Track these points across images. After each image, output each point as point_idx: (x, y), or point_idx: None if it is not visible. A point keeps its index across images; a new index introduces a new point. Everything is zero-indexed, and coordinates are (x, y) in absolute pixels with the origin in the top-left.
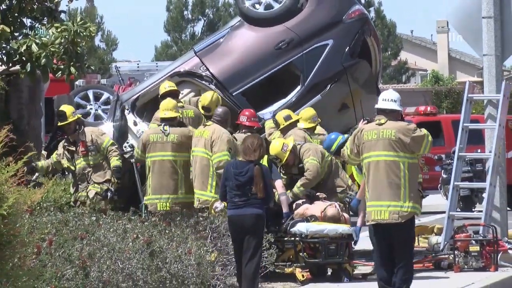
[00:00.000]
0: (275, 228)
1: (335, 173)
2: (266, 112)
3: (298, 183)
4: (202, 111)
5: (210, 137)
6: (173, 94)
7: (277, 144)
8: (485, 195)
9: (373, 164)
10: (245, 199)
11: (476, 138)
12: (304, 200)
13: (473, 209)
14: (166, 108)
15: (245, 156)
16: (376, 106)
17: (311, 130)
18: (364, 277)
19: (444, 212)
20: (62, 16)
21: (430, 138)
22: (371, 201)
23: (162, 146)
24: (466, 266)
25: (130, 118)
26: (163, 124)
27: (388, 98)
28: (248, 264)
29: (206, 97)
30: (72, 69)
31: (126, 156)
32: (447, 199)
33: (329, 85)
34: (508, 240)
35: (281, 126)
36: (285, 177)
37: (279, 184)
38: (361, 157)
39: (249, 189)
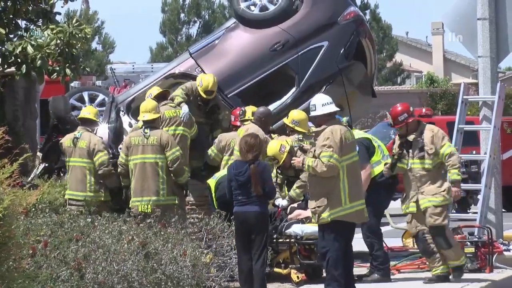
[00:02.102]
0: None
1: None
2: None
3: (295, 186)
4: (204, 95)
5: None
6: (164, 96)
7: (275, 145)
8: (480, 196)
9: (357, 163)
10: (246, 197)
11: (471, 140)
12: (299, 202)
13: (468, 211)
14: (145, 111)
15: (241, 157)
16: (327, 111)
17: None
18: (359, 278)
19: None
20: (58, 17)
21: None
22: (361, 200)
23: (143, 148)
24: None
25: (125, 119)
26: (143, 127)
27: (329, 100)
28: (256, 262)
29: (209, 80)
30: (68, 71)
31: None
32: None
33: (324, 87)
34: (503, 242)
35: (246, 117)
36: (281, 177)
37: None
38: (343, 158)
39: (250, 187)
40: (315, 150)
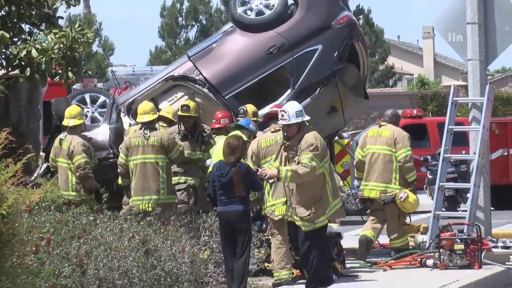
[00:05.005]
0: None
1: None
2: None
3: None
4: (182, 113)
5: (393, 136)
6: (165, 120)
7: None
8: (469, 195)
9: (330, 163)
10: (228, 197)
11: (460, 140)
12: None
13: (457, 209)
14: (143, 112)
15: (224, 158)
16: (303, 119)
17: None
18: None
19: (429, 212)
20: (60, 22)
21: None
22: (340, 197)
23: (143, 149)
24: (451, 264)
25: (126, 120)
26: (143, 128)
27: (301, 108)
28: (238, 260)
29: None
30: (70, 74)
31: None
32: (432, 199)
33: (319, 89)
34: (492, 239)
35: (249, 116)
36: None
37: None
38: (324, 160)
39: (231, 188)
40: (299, 158)
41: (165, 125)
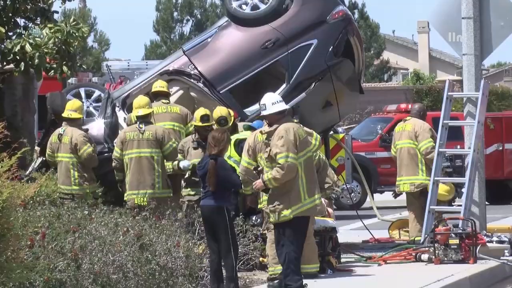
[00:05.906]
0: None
1: (323, 170)
2: (252, 110)
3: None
4: (201, 123)
5: (413, 129)
6: (163, 95)
7: None
8: (464, 190)
9: (311, 159)
10: (204, 191)
11: (455, 135)
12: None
13: (452, 204)
14: (139, 106)
15: (207, 150)
16: (278, 109)
17: None
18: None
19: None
20: (55, 16)
21: None
22: (318, 193)
23: (138, 143)
24: (446, 259)
25: (121, 115)
26: (138, 122)
27: (279, 99)
28: (224, 257)
29: (199, 110)
30: (65, 68)
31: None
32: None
33: (314, 83)
34: (487, 234)
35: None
36: None
37: None
38: (299, 155)
39: (206, 181)
40: (270, 150)
41: (167, 101)
